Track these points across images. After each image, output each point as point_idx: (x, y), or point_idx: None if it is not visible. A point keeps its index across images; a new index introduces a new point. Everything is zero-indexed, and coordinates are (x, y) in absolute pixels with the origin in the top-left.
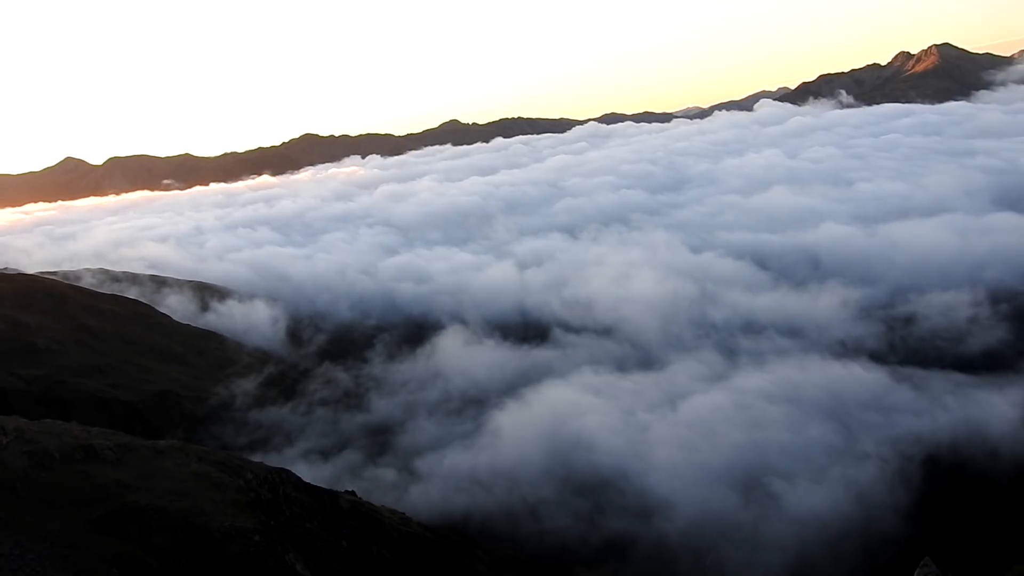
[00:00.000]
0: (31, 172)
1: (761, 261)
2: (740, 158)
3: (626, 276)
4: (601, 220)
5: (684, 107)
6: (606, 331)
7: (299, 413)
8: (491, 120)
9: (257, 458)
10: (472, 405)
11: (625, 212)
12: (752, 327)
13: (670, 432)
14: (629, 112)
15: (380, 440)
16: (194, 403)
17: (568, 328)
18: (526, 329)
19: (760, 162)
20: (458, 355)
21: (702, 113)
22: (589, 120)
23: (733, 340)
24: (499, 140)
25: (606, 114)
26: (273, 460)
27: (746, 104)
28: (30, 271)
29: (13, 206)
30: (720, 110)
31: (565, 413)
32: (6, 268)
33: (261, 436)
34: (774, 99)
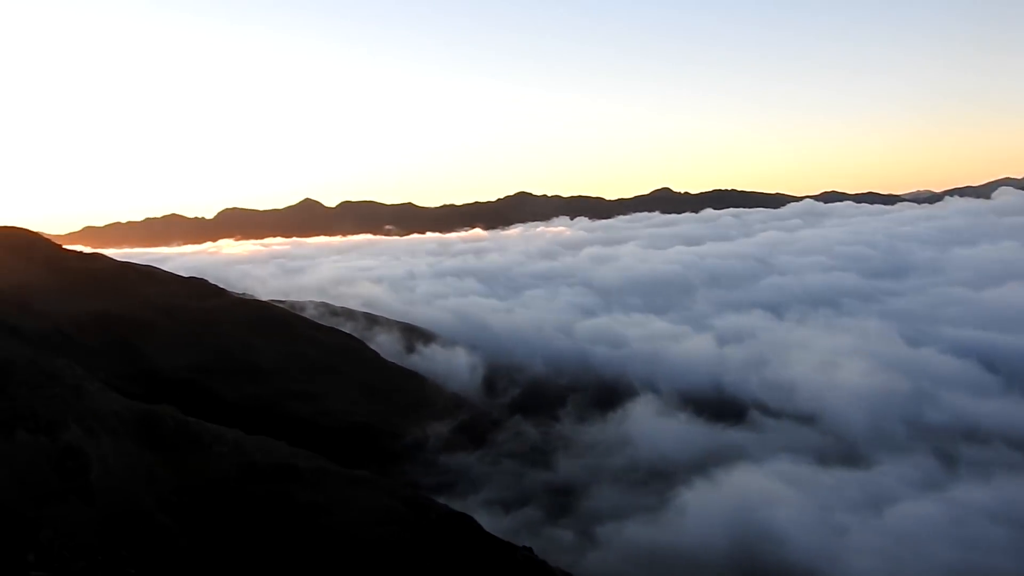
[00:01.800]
0: (274, 209)
1: (989, 362)
2: (972, 248)
3: (833, 363)
4: (809, 301)
5: (913, 189)
6: (807, 419)
7: (486, 462)
8: (703, 190)
9: (442, 500)
10: (658, 478)
11: (836, 295)
12: (975, 434)
13: (872, 539)
14: (851, 191)
15: (562, 500)
16: (390, 439)
17: (766, 411)
18: (721, 406)
19: (995, 254)
20: (648, 424)
21: (933, 197)
22: (806, 197)
23: (952, 446)
24: (709, 211)
25: (826, 191)
26: (456, 505)
27: (984, 191)
28: (263, 298)
29: (256, 238)
30: (953, 195)
31: (756, 500)
32: (244, 293)
33: (448, 480)
34: (1016, 187)
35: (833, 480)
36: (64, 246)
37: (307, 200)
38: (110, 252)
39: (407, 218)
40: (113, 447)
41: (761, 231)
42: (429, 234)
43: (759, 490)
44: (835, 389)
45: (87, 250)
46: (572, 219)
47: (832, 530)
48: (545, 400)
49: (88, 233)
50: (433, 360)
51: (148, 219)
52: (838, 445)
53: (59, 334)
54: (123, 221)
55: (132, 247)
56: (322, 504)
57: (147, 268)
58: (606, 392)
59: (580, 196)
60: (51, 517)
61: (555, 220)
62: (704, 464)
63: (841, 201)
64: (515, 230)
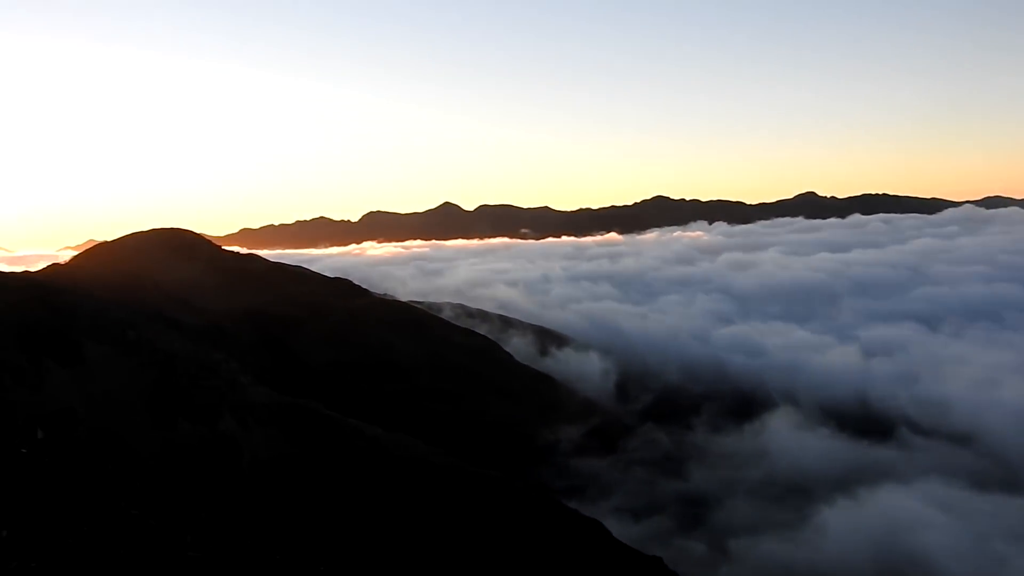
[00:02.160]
0: (415, 212)
1: None
2: None
3: (992, 380)
4: (966, 314)
5: None
6: (962, 439)
7: (617, 468)
8: (851, 194)
9: (572, 505)
10: (796, 493)
11: (997, 308)
12: None
13: None
14: (1018, 196)
15: (694, 511)
16: (522, 441)
17: (916, 429)
18: (866, 422)
19: None
20: (787, 438)
21: None
22: (966, 202)
23: None
24: (857, 216)
25: (988, 196)
26: (586, 510)
27: None
28: (403, 299)
29: (397, 241)
30: None
31: (903, 523)
32: (385, 294)
33: (578, 484)
34: None
35: (990, 506)
36: (223, 247)
37: (446, 204)
38: (264, 253)
39: (543, 221)
40: (263, 437)
41: (914, 238)
42: (564, 238)
43: (907, 512)
44: (994, 408)
45: (243, 251)
46: (710, 224)
47: (989, 560)
48: (678, 408)
49: (244, 235)
50: (566, 364)
51: (299, 222)
52: (996, 468)
53: (216, 329)
54: (276, 224)
55: (284, 248)
56: (455, 502)
57: (296, 268)
58: (742, 402)
59: (719, 200)
60: (207, 501)
61: (692, 225)
62: (847, 482)
63: (1006, 207)
64: (651, 234)
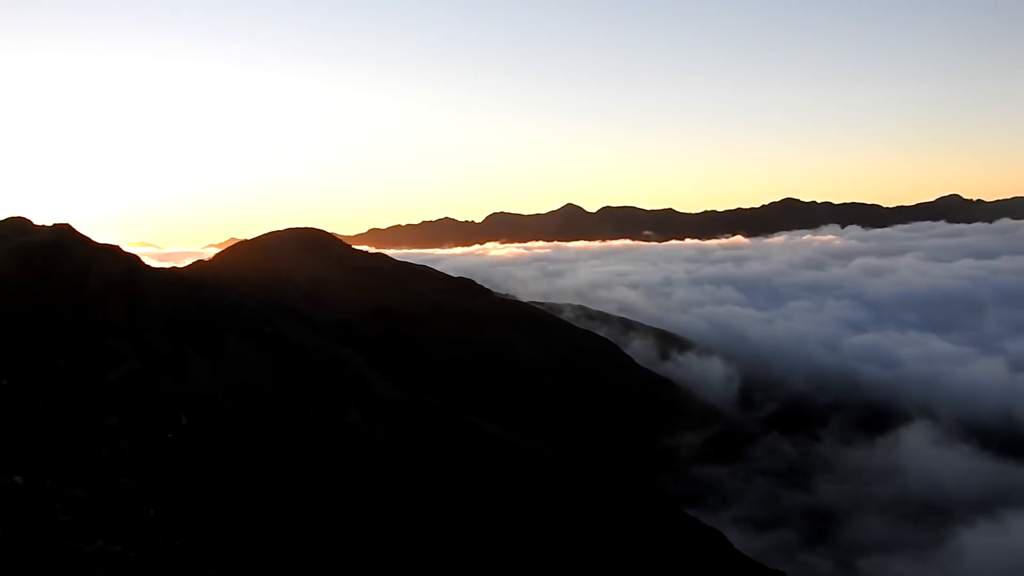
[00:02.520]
0: (538, 214)
1: None
2: None
3: None
4: None
5: None
6: None
7: (738, 478)
8: (999, 197)
9: (692, 513)
10: (933, 513)
11: None
12: None
13: None
14: None
15: (820, 526)
16: (641, 445)
17: None
18: (1012, 440)
19: None
20: (924, 454)
21: None
22: None
23: None
24: (1005, 221)
25: None
26: (707, 519)
27: None
28: (524, 299)
29: (519, 242)
30: None
31: None
32: (507, 294)
33: (699, 492)
34: None
35: None
36: (353, 246)
37: (569, 205)
38: (391, 252)
39: (666, 224)
40: (386, 431)
41: None
42: (688, 240)
43: None
44: None
45: (371, 250)
46: (843, 227)
47: None
48: (805, 418)
49: (373, 234)
50: (687, 369)
51: (424, 222)
52: None
53: (345, 325)
54: (403, 224)
55: (410, 248)
56: (572, 503)
57: (421, 268)
58: (875, 414)
59: (853, 203)
60: (334, 491)
61: (824, 228)
62: (989, 503)
63: None
64: (779, 238)
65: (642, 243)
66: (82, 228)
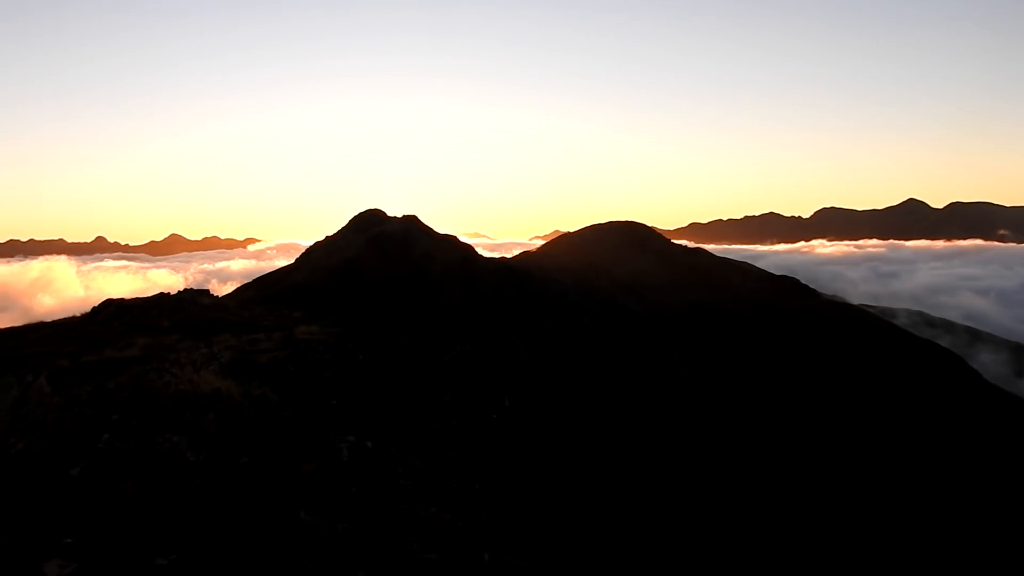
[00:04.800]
0: (873, 209)
1: None
2: None
3: None
4: None
5: None
6: None
7: None
8: None
9: None
10: None
11: None
12: None
13: None
14: None
15: None
16: (987, 469)
17: None
18: None
19: None
20: None
21: None
22: None
23: None
24: None
25: None
26: None
27: None
28: (853, 301)
29: (850, 239)
30: None
31: None
32: (834, 296)
33: None
34: None
35: None
36: (672, 240)
37: (910, 200)
38: (710, 247)
39: None
40: (697, 428)
41: None
42: None
43: None
44: None
45: (691, 245)
46: None
47: None
48: None
49: (693, 229)
50: None
51: (747, 217)
52: None
53: (661, 320)
54: (724, 219)
55: (730, 244)
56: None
57: (741, 264)
58: None
59: None
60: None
61: None
62: None
63: None
64: None
65: (996, 244)
66: (426, 219)
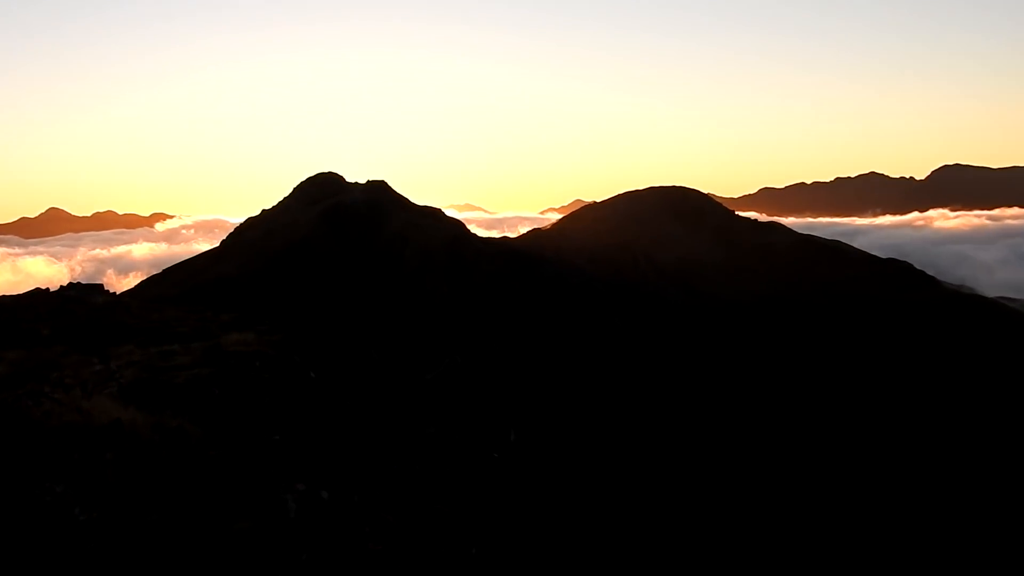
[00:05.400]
0: (1014, 167)
1: None
2: None
3: None
4: None
5: None
6: None
7: None
8: None
9: None
10: None
11: None
12: None
13: None
14: None
15: None
16: None
17: None
18: None
19: None
20: None
21: None
22: None
23: None
24: None
25: None
26: None
27: None
28: (988, 293)
29: (981, 208)
30: None
31: None
32: (960, 284)
33: None
34: None
35: None
36: (736, 212)
37: None
38: (788, 221)
39: None
40: (761, 432)
41: None
42: None
43: None
44: None
45: (761, 218)
46: None
47: None
48: None
49: (764, 196)
50: None
51: (838, 179)
52: None
53: (720, 318)
54: (807, 182)
55: (815, 215)
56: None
57: (832, 244)
58: None
59: None
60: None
61: None
62: None
63: None
64: None
65: None
66: (400, 187)
